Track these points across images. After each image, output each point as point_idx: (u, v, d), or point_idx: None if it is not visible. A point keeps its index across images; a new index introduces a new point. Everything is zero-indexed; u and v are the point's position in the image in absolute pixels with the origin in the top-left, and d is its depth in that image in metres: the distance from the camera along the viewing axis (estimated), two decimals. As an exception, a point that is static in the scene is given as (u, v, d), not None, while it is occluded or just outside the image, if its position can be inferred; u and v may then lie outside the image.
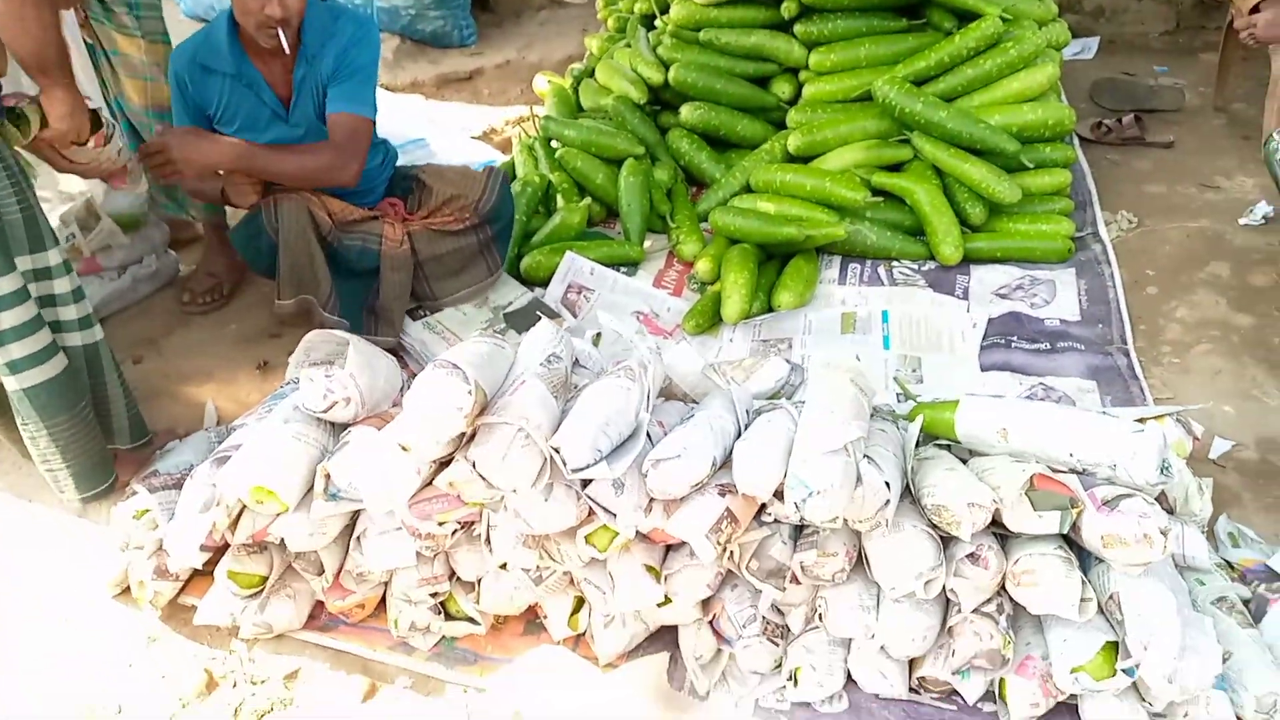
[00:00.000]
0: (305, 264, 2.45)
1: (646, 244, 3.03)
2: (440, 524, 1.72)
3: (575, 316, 2.74)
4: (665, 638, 1.81)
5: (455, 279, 2.68)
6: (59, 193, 3.25)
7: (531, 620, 1.88)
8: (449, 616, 1.86)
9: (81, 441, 2.05)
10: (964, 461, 1.76)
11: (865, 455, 1.59)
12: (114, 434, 2.17)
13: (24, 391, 1.95)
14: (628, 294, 2.82)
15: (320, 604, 1.91)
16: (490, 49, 4.31)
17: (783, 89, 3.33)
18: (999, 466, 1.66)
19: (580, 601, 1.80)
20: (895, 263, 2.86)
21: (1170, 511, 1.81)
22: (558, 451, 1.56)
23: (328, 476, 1.74)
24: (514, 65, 4.21)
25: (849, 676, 1.69)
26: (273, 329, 2.65)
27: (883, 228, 2.89)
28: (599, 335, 2.21)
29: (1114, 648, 1.53)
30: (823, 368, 1.84)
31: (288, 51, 2.33)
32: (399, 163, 2.80)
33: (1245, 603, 1.74)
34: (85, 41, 2.63)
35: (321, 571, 1.84)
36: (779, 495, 1.58)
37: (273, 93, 2.42)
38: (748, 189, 3.10)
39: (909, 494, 1.68)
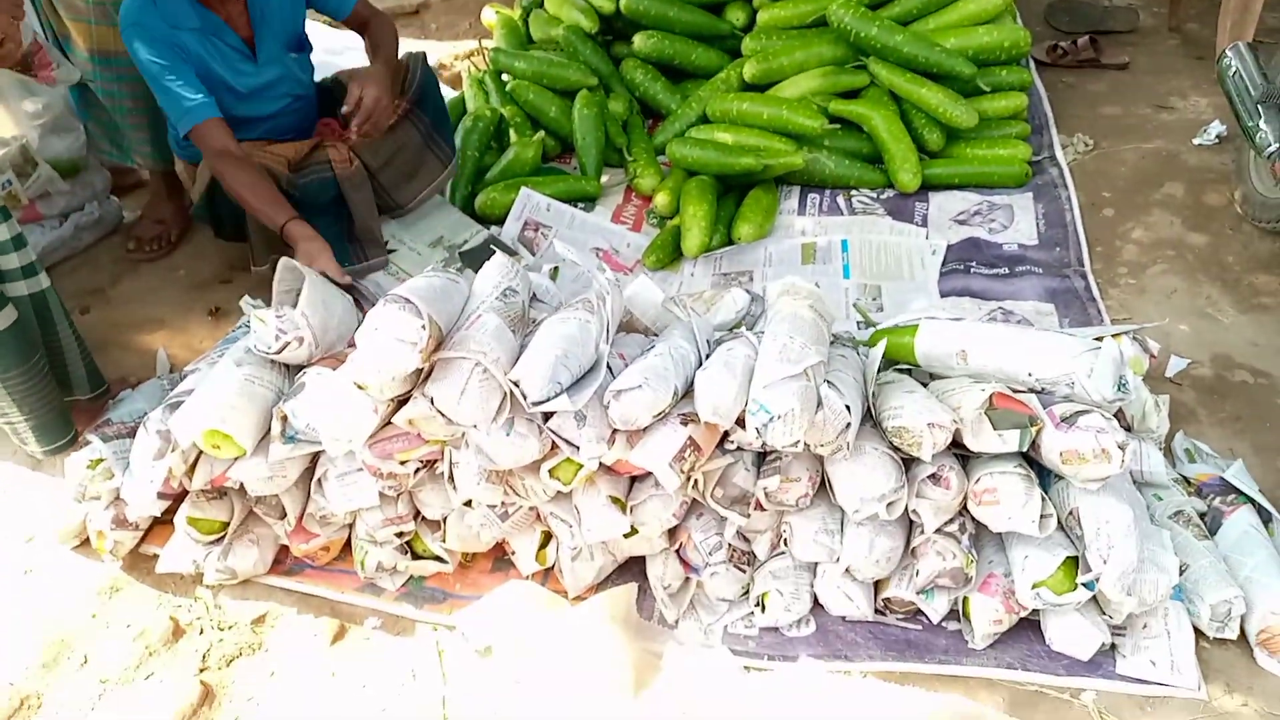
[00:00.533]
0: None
1: (604, 178, 2.99)
2: (402, 463, 1.70)
3: (533, 254, 2.70)
4: (633, 569, 1.82)
5: (412, 181, 2.62)
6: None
7: (499, 557, 1.88)
8: (416, 556, 1.85)
9: (39, 394, 2.00)
10: (924, 385, 1.76)
11: (826, 380, 1.59)
12: (71, 385, 2.12)
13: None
14: (586, 230, 2.78)
15: (285, 548, 1.89)
16: (436, -19, 4.19)
17: (737, 15, 3.27)
18: (959, 388, 1.67)
19: (547, 536, 1.80)
20: (854, 191, 2.85)
21: (1128, 429, 1.84)
22: (517, 385, 1.55)
23: (284, 419, 1.71)
24: (461, -1, 4.10)
25: (815, 600, 1.72)
26: (223, 275, 2.60)
27: (841, 156, 2.87)
28: (556, 269, 2.18)
29: (1074, 562, 1.56)
30: (781, 295, 1.83)
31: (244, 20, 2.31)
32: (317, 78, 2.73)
33: (1201, 516, 1.79)
34: None
35: (284, 515, 1.82)
36: (741, 423, 1.58)
37: (236, 35, 2.35)
38: (704, 120, 3.05)
39: (870, 418, 1.68)
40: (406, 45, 3.78)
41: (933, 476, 1.59)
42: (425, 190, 2.65)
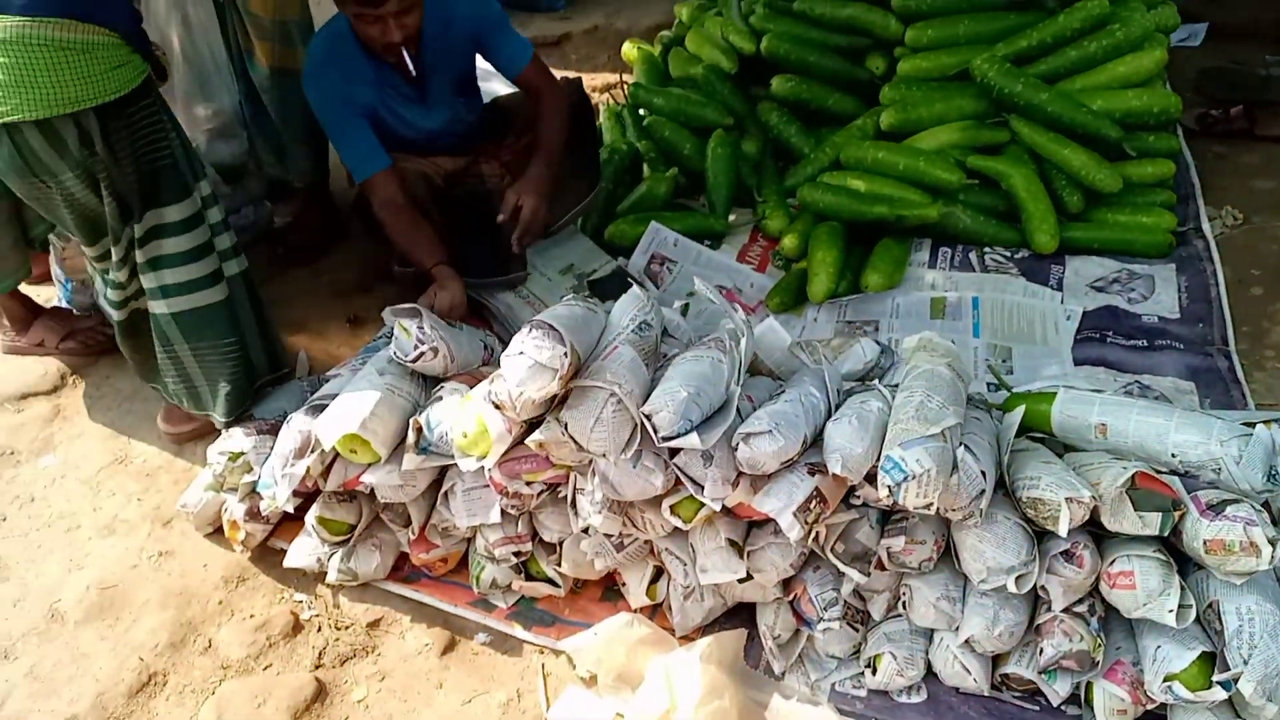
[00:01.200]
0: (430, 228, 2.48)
1: (731, 217, 3.01)
2: (528, 484, 1.73)
3: (658, 287, 2.73)
4: (743, 614, 1.81)
5: (560, 201, 2.68)
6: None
7: (610, 586, 1.90)
8: (529, 577, 1.88)
9: (232, 367, 2.11)
10: (1059, 456, 1.72)
11: (961, 442, 1.57)
12: (253, 363, 2.21)
13: (176, 316, 2.01)
14: (711, 267, 2.80)
15: (404, 555, 1.95)
16: (579, 14, 4.29)
17: (877, 64, 3.26)
18: (1097, 463, 1.62)
19: (659, 571, 1.81)
20: (988, 249, 2.80)
21: (1276, 521, 1.75)
22: (649, 419, 1.56)
23: (419, 430, 1.77)
24: (602, 31, 4.19)
25: (929, 668, 1.67)
26: (364, 284, 2.70)
27: (976, 212, 2.82)
28: (687, 305, 2.19)
29: (1210, 659, 1.48)
30: (918, 349, 1.81)
31: (413, 74, 2.38)
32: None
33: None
34: None
35: (408, 523, 1.87)
36: (870, 478, 1.57)
37: (406, 83, 2.45)
38: (837, 165, 3.04)
39: (1002, 485, 1.65)
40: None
41: (1066, 553, 1.54)
42: (571, 211, 2.72)
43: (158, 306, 2.03)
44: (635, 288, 1.86)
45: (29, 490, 2.15)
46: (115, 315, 2.09)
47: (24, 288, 2.44)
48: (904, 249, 2.75)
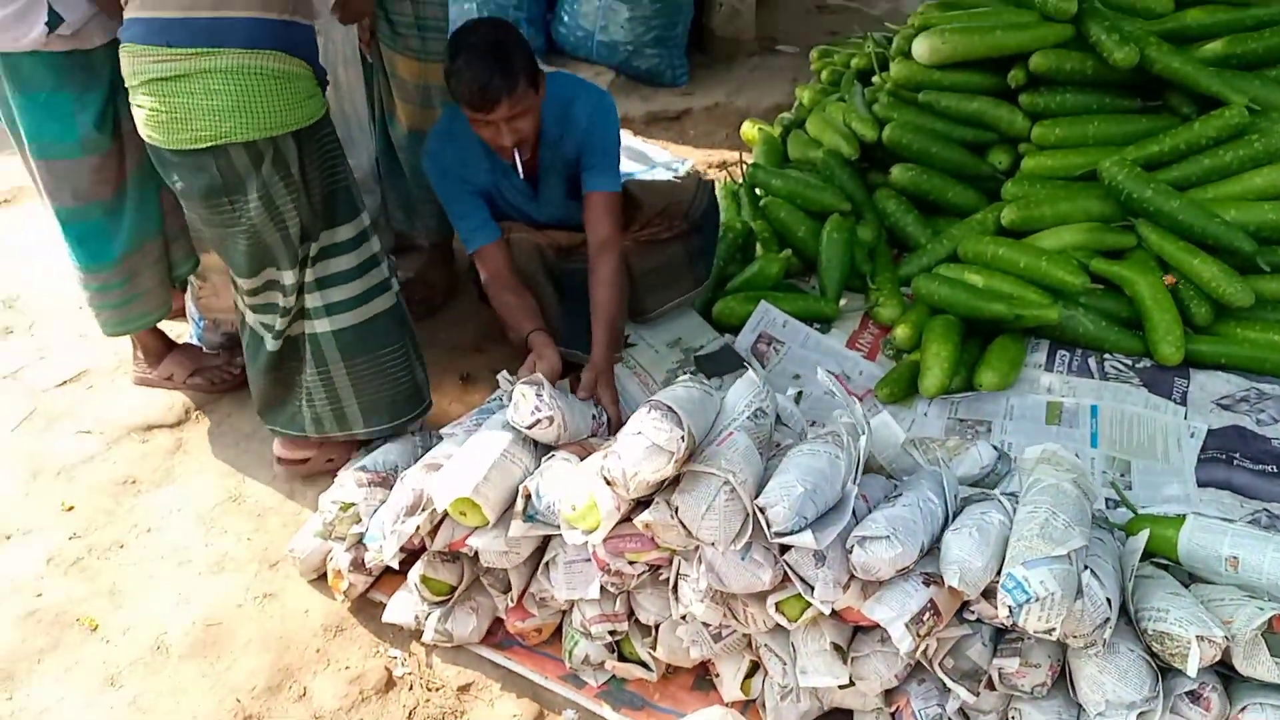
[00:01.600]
0: (535, 293, 2.53)
1: (842, 302, 2.99)
2: (630, 563, 1.73)
3: (764, 367, 2.72)
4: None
5: (665, 291, 2.71)
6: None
7: (703, 676, 1.87)
8: (622, 657, 1.87)
9: (398, 372, 2.22)
10: (1185, 586, 1.64)
11: (1086, 565, 1.51)
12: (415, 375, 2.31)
13: (338, 333, 2.14)
14: (819, 351, 2.78)
15: (499, 621, 1.95)
16: (700, 90, 4.36)
17: (1000, 158, 3.24)
18: (1229, 599, 1.55)
19: (756, 666, 1.78)
20: (1108, 355, 2.72)
21: None
22: (763, 511, 1.55)
23: (528, 497, 1.78)
24: (722, 108, 4.25)
25: (1034, 795, 1.60)
26: (477, 344, 2.75)
27: (1098, 317, 2.75)
28: (800, 393, 2.18)
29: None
30: (1042, 461, 1.76)
31: (521, 176, 2.42)
32: None
33: None
34: (364, 59, 2.79)
35: (507, 590, 1.88)
36: (988, 594, 1.52)
37: (520, 178, 2.48)
38: (954, 258, 3.01)
39: (1125, 613, 1.58)
40: (664, 150, 3.99)
41: (1192, 694, 1.47)
42: (671, 303, 2.75)
43: (319, 325, 2.14)
44: (751, 373, 1.86)
45: (147, 520, 2.23)
46: (271, 345, 2.17)
47: (160, 323, 2.55)
48: (1020, 349, 2.69)
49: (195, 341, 2.65)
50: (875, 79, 3.55)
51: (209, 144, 1.89)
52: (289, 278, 2.08)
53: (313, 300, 2.12)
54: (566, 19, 4.37)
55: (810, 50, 4.24)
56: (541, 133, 2.41)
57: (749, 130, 3.84)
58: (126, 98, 2.12)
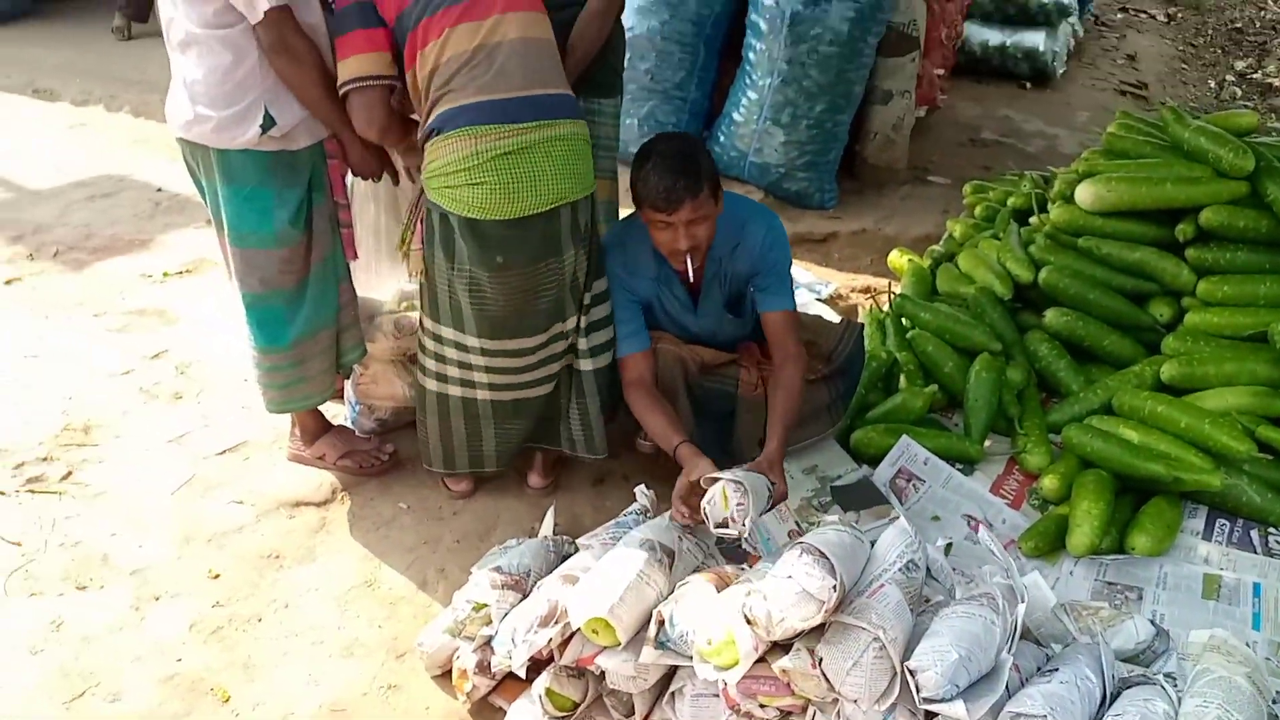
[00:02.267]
0: (676, 404, 2.56)
1: (987, 444, 2.91)
2: (761, 706, 1.68)
3: (902, 504, 2.65)
4: None
5: (799, 428, 2.69)
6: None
7: (824, 829, 1.78)
8: (741, 798, 1.80)
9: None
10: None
11: (1263, 774, 1.40)
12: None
13: (596, 372, 2.49)
14: (960, 493, 2.70)
15: (617, 743, 1.91)
16: (848, 215, 4.39)
17: (1161, 310, 3.13)
18: None
19: (884, 828, 1.69)
20: (1273, 530, 2.56)
21: None
22: (913, 674, 1.49)
23: (661, 623, 1.77)
24: (869, 235, 4.26)
25: None
26: (613, 449, 2.77)
27: (1264, 487, 2.59)
28: (950, 544, 2.12)
29: None
30: (1210, 648, 1.65)
31: (692, 280, 2.49)
32: None
33: None
34: None
35: (630, 713, 1.85)
36: (1152, 792, 1.41)
37: (683, 288, 2.56)
38: (1108, 409, 2.90)
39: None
40: (806, 270, 4.02)
41: None
42: (804, 441, 2.73)
43: (584, 364, 2.48)
44: (903, 521, 1.82)
45: (286, 596, 2.30)
46: (537, 390, 2.46)
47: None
48: (1177, 513, 2.55)
49: (349, 425, 2.76)
50: (1033, 219, 3.51)
51: (550, 206, 2.20)
52: (572, 323, 2.42)
53: (582, 343, 2.45)
54: (722, 139, 4.49)
55: (962, 183, 4.23)
56: (712, 246, 2.47)
57: (896, 259, 3.83)
58: (320, 196, 2.29)
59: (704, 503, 1.96)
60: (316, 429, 2.64)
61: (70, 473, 2.67)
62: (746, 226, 2.50)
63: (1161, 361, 2.93)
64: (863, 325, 2.80)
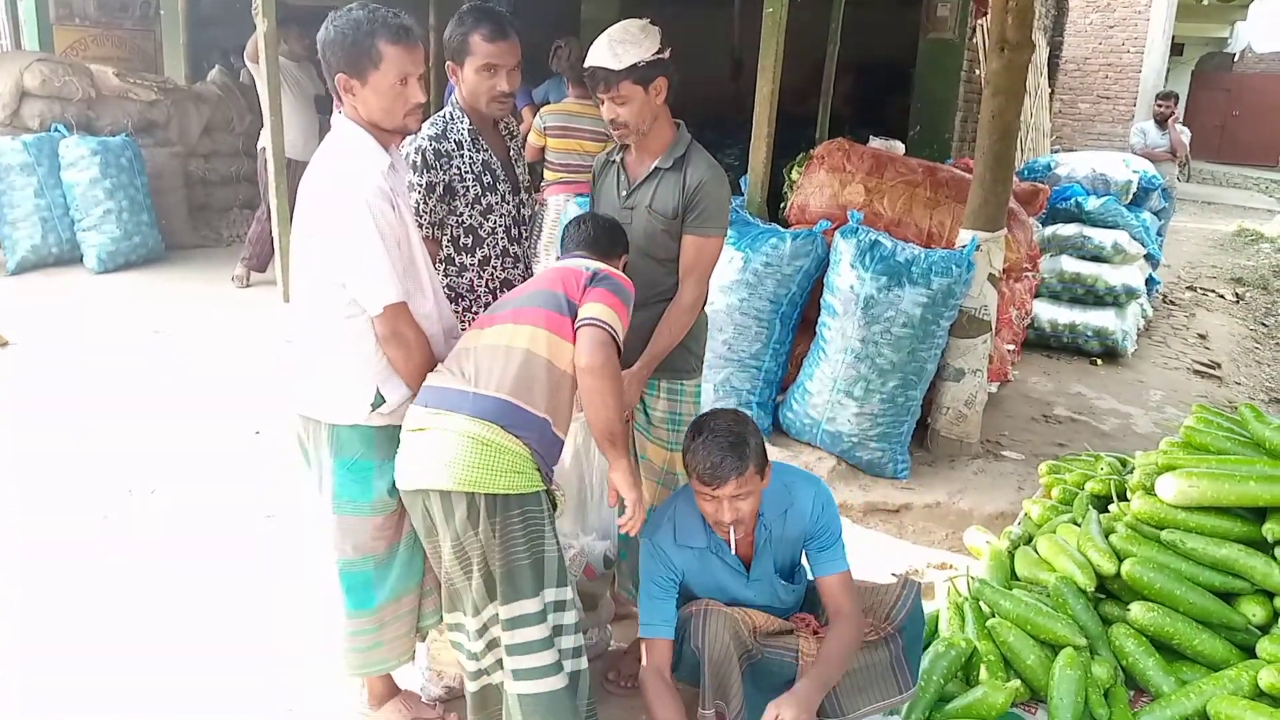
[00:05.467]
0: (726, 675, 2.53)
1: (1075, 747, 2.76)
2: None
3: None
4: None
5: (864, 694, 2.62)
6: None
7: None
8: None
9: None
10: None
11: None
12: None
13: (523, 697, 2.29)
14: (1049, 804, 2.54)
15: None
16: (921, 486, 4.41)
17: (1253, 610, 3.01)
18: None
19: None
20: None
21: None
22: None
23: None
24: (943, 508, 4.25)
25: None
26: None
27: (1385, 819, 2.40)
28: None
29: None
30: None
31: (734, 551, 2.57)
32: None
33: None
34: None
35: None
36: None
37: (735, 555, 2.62)
38: (1203, 716, 2.75)
39: None
40: (881, 541, 4.00)
41: None
42: (872, 707, 2.64)
43: (508, 685, 2.31)
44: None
45: None
46: (469, 685, 2.37)
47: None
48: (1291, 844, 2.36)
49: (419, 690, 2.76)
50: (1113, 507, 3.48)
51: (417, 488, 2.26)
52: (471, 624, 2.32)
53: (506, 662, 2.30)
54: (795, 406, 4.62)
55: (1036, 459, 4.26)
56: (761, 514, 2.55)
57: (974, 542, 3.80)
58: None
59: None
60: (384, 692, 2.64)
61: None
62: (794, 492, 2.61)
63: (1259, 666, 2.80)
64: (919, 584, 2.77)
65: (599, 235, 2.70)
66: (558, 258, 2.74)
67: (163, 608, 3.27)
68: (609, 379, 2.28)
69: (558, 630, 2.33)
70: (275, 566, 3.55)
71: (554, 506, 2.38)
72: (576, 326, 2.32)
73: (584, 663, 2.40)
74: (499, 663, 2.33)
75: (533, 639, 2.28)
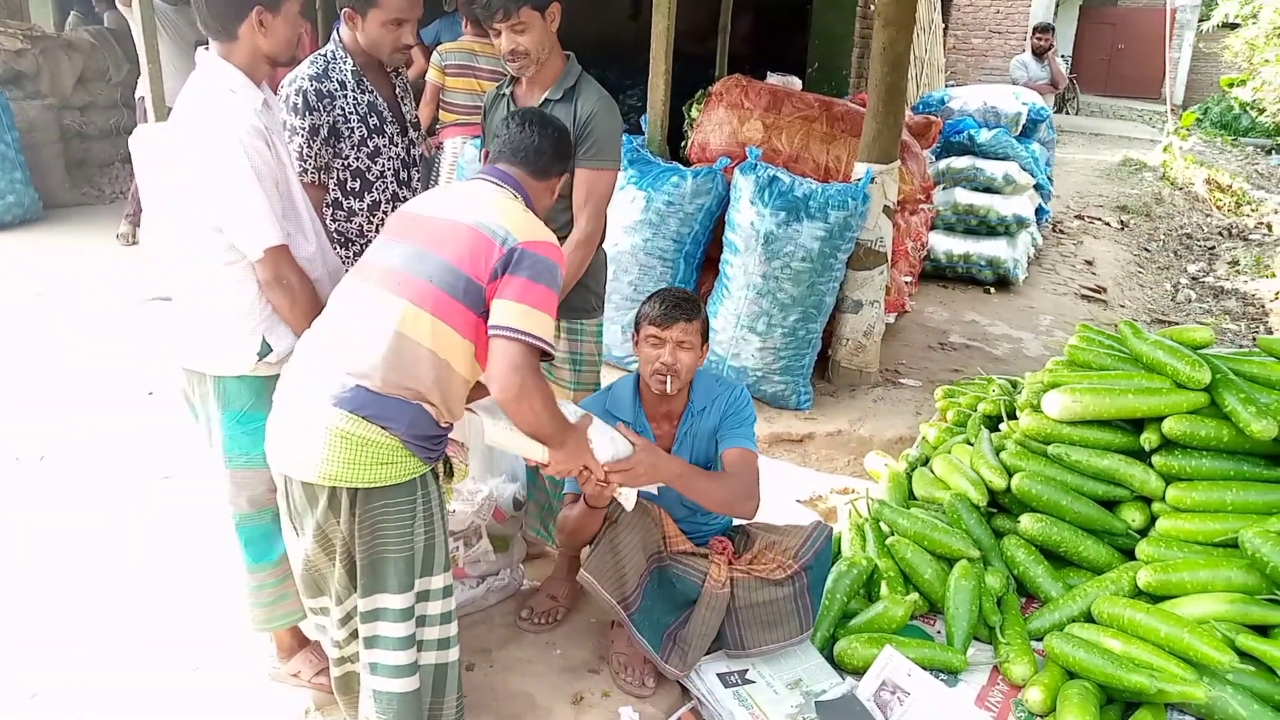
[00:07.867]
0: (625, 561, 2.61)
1: (970, 652, 2.89)
2: None
3: (887, 718, 2.62)
4: None
5: (767, 631, 2.70)
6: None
7: None
8: None
9: None
10: None
11: None
12: None
13: (376, 693, 2.14)
14: (946, 708, 2.67)
15: None
16: (823, 417, 4.51)
17: (1133, 516, 3.19)
18: None
19: None
20: (1263, 743, 2.52)
21: None
22: None
23: None
24: (845, 436, 4.37)
25: None
26: (592, 664, 2.75)
27: (1249, 698, 2.58)
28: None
29: None
30: None
31: (670, 392, 2.68)
32: None
33: None
34: None
35: None
36: None
37: (656, 443, 2.69)
38: (1088, 616, 2.92)
39: None
40: (786, 470, 4.10)
41: None
42: (774, 645, 2.73)
43: (366, 680, 2.17)
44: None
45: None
46: (333, 670, 2.28)
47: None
48: (1164, 725, 2.53)
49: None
50: (1003, 426, 3.62)
51: (279, 471, 2.14)
52: (336, 612, 2.18)
53: (365, 655, 2.17)
54: (701, 344, 4.67)
55: (933, 385, 4.39)
56: (689, 403, 2.74)
57: (874, 466, 3.91)
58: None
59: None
60: (293, 645, 2.61)
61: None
62: (719, 393, 2.81)
63: (1138, 568, 2.97)
64: (831, 528, 2.86)
65: (542, 147, 2.29)
66: (480, 160, 2.49)
67: (60, 575, 3.17)
68: (530, 398, 2.04)
69: (421, 621, 2.18)
70: (174, 527, 3.47)
71: (451, 475, 2.33)
72: (489, 334, 2.04)
73: (452, 654, 2.25)
74: (359, 653, 2.21)
75: (390, 635, 2.12)
